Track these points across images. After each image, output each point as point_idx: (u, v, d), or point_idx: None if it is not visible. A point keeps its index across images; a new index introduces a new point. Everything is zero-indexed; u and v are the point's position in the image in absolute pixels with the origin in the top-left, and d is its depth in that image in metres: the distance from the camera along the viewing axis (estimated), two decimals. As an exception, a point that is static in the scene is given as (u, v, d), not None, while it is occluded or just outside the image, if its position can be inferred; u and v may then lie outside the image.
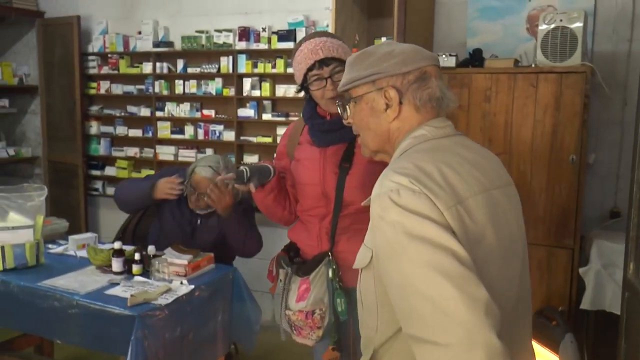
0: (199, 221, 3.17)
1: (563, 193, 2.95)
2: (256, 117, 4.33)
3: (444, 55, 3.08)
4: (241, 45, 4.31)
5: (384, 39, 3.64)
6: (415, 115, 1.42)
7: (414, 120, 1.42)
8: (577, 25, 2.92)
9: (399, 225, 1.21)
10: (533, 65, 3.06)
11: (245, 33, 4.30)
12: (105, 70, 4.84)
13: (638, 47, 3.28)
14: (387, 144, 1.47)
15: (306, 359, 3.88)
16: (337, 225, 2.18)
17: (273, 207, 2.30)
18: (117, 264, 2.76)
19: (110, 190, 4.93)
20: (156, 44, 4.60)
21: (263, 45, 4.26)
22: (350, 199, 2.14)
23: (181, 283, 2.68)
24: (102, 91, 4.88)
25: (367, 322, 1.38)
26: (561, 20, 2.95)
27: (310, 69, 2.12)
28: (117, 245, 2.80)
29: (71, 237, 3.17)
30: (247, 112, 4.34)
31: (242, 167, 2.17)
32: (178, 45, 4.57)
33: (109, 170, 4.93)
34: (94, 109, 4.98)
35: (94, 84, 4.91)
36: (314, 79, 2.13)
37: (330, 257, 2.17)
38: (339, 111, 1.54)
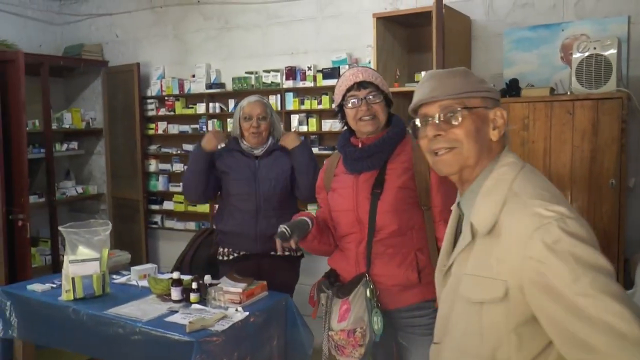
0: (257, 163, 3.19)
1: (604, 217, 2.90)
2: (304, 151, 4.39)
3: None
4: (288, 83, 4.41)
5: (423, 73, 3.68)
6: (502, 142, 1.42)
7: (500, 146, 1.43)
8: (611, 52, 2.90)
9: (570, 256, 1.18)
10: (568, 93, 3.04)
11: (291, 72, 4.40)
12: (163, 112, 5.01)
13: (673, 71, 3.23)
14: (477, 165, 1.41)
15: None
16: (372, 250, 2.23)
17: (319, 248, 2.40)
18: (176, 293, 2.83)
19: (169, 224, 5.08)
20: (209, 86, 4.74)
21: (309, 83, 4.34)
22: (382, 223, 2.21)
23: (236, 310, 2.72)
24: (160, 131, 5.05)
25: (491, 353, 1.31)
26: (595, 48, 2.94)
27: (349, 90, 2.25)
28: (175, 275, 2.87)
29: (133, 268, 3.27)
30: (295, 146, 4.41)
31: (282, 228, 2.25)
32: (229, 86, 4.71)
33: (167, 205, 5.07)
34: (153, 148, 5.15)
35: (153, 125, 5.09)
36: (351, 98, 2.24)
37: (368, 278, 2.22)
38: (429, 126, 1.42)
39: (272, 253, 3.07)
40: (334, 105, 2.40)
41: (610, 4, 3.36)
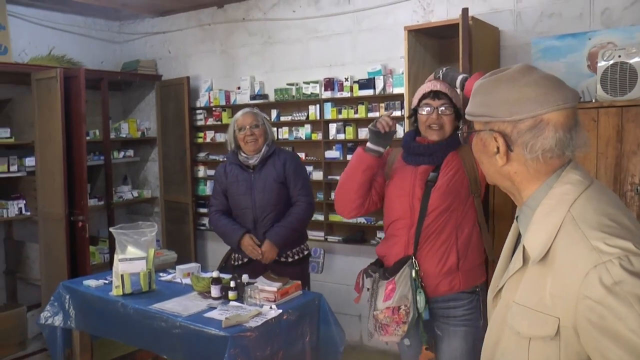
0: (252, 176, 3.29)
1: (630, 222, 2.79)
2: (341, 158, 4.39)
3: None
4: (326, 94, 4.43)
5: (453, 82, 3.64)
6: (531, 165, 1.21)
7: (539, 168, 1.21)
8: (636, 60, 2.80)
9: (635, 298, 1.00)
10: (593, 101, 2.95)
11: (330, 83, 4.42)
12: (211, 121, 5.10)
13: (703, 78, 3.08)
14: (506, 183, 1.28)
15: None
16: (421, 234, 2.33)
17: (359, 187, 2.42)
18: (215, 291, 2.88)
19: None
20: (253, 97, 4.80)
21: (346, 94, 4.34)
22: (433, 205, 2.32)
23: (270, 308, 2.75)
24: (208, 140, 5.14)
25: None
26: (620, 56, 2.84)
27: (424, 97, 2.39)
28: (215, 274, 2.92)
29: (178, 267, 3.34)
30: (333, 153, 4.42)
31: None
32: (272, 97, 4.76)
33: (215, 208, 5.15)
34: (201, 155, 5.24)
35: (201, 134, 5.19)
36: (425, 106, 2.39)
37: (414, 259, 2.31)
38: (461, 134, 1.41)
39: (276, 259, 3.24)
40: (411, 105, 2.54)
41: (637, 12, 3.25)
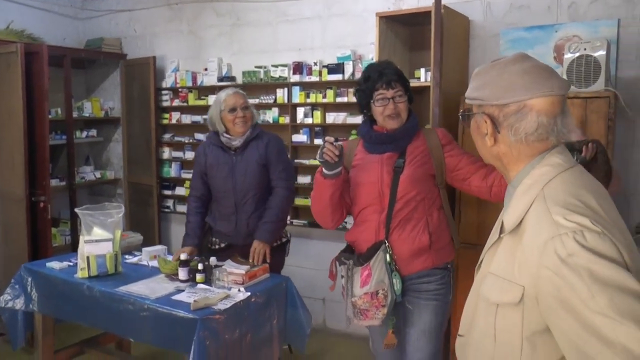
0: (234, 159, 3.19)
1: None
2: (309, 142, 4.39)
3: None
4: (295, 78, 4.40)
5: (422, 70, 3.66)
6: (516, 146, 1.28)
7: (523, 150, 1.28)
8: (600, 53, 2.88)
9: (586, 271, 1.06)
10: (559, 91, 3.01)
11: (298, 67, 4.39)
12: (177, 102, 5.01)
13: (661, 73, 3.19)
14: (497, 163, 1.36)
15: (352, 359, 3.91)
16: (392, 219, 2.36)
17: (333, 206, 2.44)
18: (183, 273, 2.85)
19: (180, 208, 5.10)
20: (220, 79, 4.74)
21: (315, 78, 4.32)
22: (403, 191, 2.37)
23: (239, 290, 2.74)
24: (174, 121, 5.05)
25: (504, 358, 1.23)
26: (585, 49, 2.91)
27: (377, 88, 2.40)
28: (183, 256, 2.89)
29: (144, 249, 3.30)
30: (300, 137, 4.41)
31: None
32: (239, 79, 4.70)
33: (179, 190, 5.07)
34: (167, 136, 5.15)
35: (167, 115, 5.10)
36: (379, 97, 2.39)
37: (387, 244, 2.35)
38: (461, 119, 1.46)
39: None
40: (356, 98, 2.54)
41: (602, 7, 3.32)
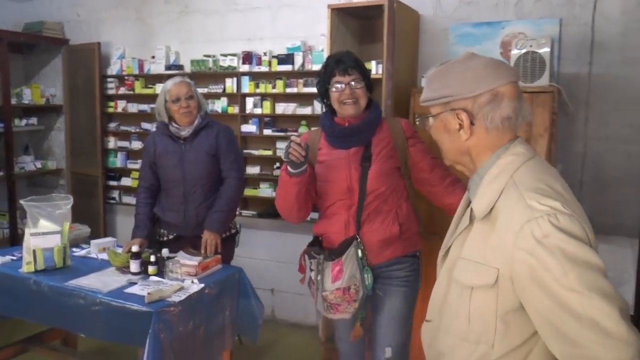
0: (183, 148, 3.13)
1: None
2: (258, 133, 4.36)
3: (424, 76, 3.13)
4: (244, 68, 4.35)
5: (373, 62, 3.69)
6: (490, 135, 1.34)
7: (494, 139, 1.35)
8: (545, 50, 2.98)
9: (559, 250, 1.14)
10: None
11: (248, 57, 4.34)
12: (122, 91, 4.86)
13: (597, 70, 3.33)
14: (464, 158, 1.40)
15: (302, 350, 3.92)
16: (362, 212, 2.36)
17: (299, 202, 2.38)
18: (134, 266, 2.78)
19: (126, 199, 4.97)
20: (168, 67, 4.63)
21: (264, 68, 4.29)
22: (372, 187, 2.36)
23: (192, 282, 2.70)
24: (119, 110, 4.90)
25: (477, 337, 1.29)
26: (531, 46, 3.01)
27: (334, 75, 2.37)
28: (134, 248, 2.82)
29: (93, 242, 3.19)
30: (249, 128, 4.37)
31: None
32: (187, 68, 4.60)
33: (125, 181, 4.94)
34: (112, 125, 4.99)
35: (112, 104, 4.93)
36: (336, 83, 2.37)
37: (359, 239, 2.34)
38: (418, 122, 1.54)
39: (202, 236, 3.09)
40: (317, 88, 2.50)
41: (545, 7, 3.44)
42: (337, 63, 2.39)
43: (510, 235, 1.20)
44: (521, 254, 1.18)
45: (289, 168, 2.28)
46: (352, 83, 2.36)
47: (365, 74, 2.45)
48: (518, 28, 3.45)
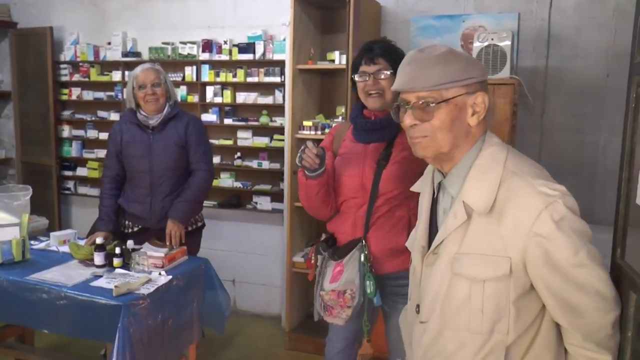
0: (151, 137, 3.04)
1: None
2: (218, 122, 4.29)
3: (391, 68, 3.14)
4: (204, 56, 4.27)
5: (336, 52, 3.68)
6: (481, 124, 1.34)
7: (482, 128, 1.35)
8: (506, 43, 3.03)
9: (571, 230, 1.20)
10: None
11: (208, 45, 4.26)
12: (77, 77, 4.68)
13: (553, 63, 3.43)
14: (455, 149, 1.34)
15: (266, 341, 3.90)
16: (372, 214, 2.17)
17: (321, 201, 2.24)
18: (99, 258, 2.68)
19: (82, 190, 4.80)
20: (125, 54, 4.48)
21: (225, 57, 4.22)
22: (385, 189, 2.15)
23: (160, 274, 2.63)
24: (74, 97, 4.72)
25: (490, 327, 1.28)
26: (492, 39, 3.05)
27: (361, 64, 2.19)
28: (99, 240, 2.72)
29: (52, 234, 3.05)
30: (210, 117, 4.29)
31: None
32: (145, 56, 4.47)
33: (81, 171, 4.77)
34: (66, 113, 4.80)
35: (66, 91, 4.74)
36: (361, 73, 2.18)
37: (364, 243, 2.16)
38: (406, 114, 1.34)
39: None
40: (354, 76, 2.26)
41: (504, 1, 3.51)
42: (366, 50, 2.20)
43: (527, 222, 1.21)
44: (537, 239, 1.21)
45: (305, 171, 2.15)
46: (377, 74, 2.16)
47: (395, 63, 2.14)
48: (478, 21, 3.50)
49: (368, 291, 2.12)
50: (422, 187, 1.53)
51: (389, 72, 2.15)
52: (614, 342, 1.28)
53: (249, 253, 4.38)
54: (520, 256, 1.24)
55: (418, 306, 1.45)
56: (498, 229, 1.25)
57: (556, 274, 1.22)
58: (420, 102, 1.30)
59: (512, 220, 1.23)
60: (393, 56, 2.18)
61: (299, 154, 2.11)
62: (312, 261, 2.34)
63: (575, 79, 3.39)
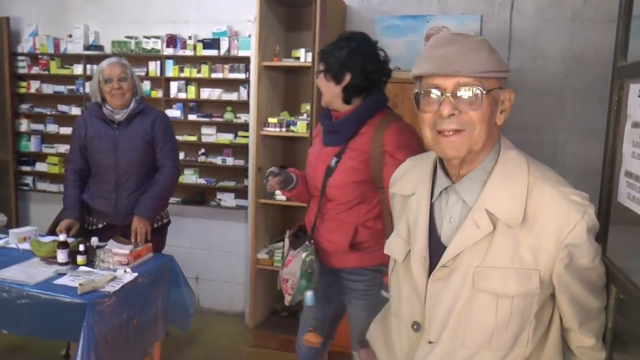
0: (117, 133, 2.97)
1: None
2: (182, 118, 4.22)
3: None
4: (169, 51, 4.19)
5: (302, 50, 3.67)
6: (499, 125, 1.23)
7: (498, 130, 1.24)
8: (469, 45, 3.09)
9: (593, 237, 1.19)
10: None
11: (172, 40, 4.19)
12: (36, 70, 4.52)
13: (515, 64, 3.51)
14: (483, 149, 1.22)
15: (230, 338, 3.88)
16: (319, 216, 2.22)
17: (301, 200, 2.39)
18: (62, 255, 2.61)
19: (41, 186, 4.66)
20: (87, 47, 4.36)
21: (189, 52, 4.16)
22: (331, 196, 2.16)
23: (125, 271, 2.58)
24: (33, 90, 4.55)
25: (512, 342, 1.20)
26: (456, 40, 3.10)
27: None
28: (62, 237, 2.64)
29: (12, 231, 2.95)
30: (174, 113, 4.22)
31: (272, 168, 2.26)
32: (108, 49, 4.36)
33: (40, 166, 4.61)
34: (24, 107, 4.64)
35: (24, 83, 4.57)
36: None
37: (308, 243, 2.21)
38: (445, 102, 1.16)
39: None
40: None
41: (467, 3, 3.56)
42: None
43: (563, 233, 1.15)
44: (569, 249, 1.16)
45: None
46: (317, 74, 2.17)
47: (328, 63, 2.13)
48: (442, 22, 3.56)
49: (299, 287, 2.20)
50: (416, 189, 1.34)
51: (323, 72, 2.13)
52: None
53: (213, 250, 4.33)
54: (549, 267, 1.17)
55: (417, 323, 1.29)
56: (529, 240, 1.16)
57: (577, 279, 1.19)
58: (466, 90, 1.14)
59: (546, 231, 1.15)
60: (328, 56, 2.14)
61: (265, 179, 2.24)
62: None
63: (535, 79, 3.48)
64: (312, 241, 2.21)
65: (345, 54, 2.09)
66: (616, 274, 1.21)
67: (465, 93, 1.14)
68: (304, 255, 2.18)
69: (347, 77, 2.10)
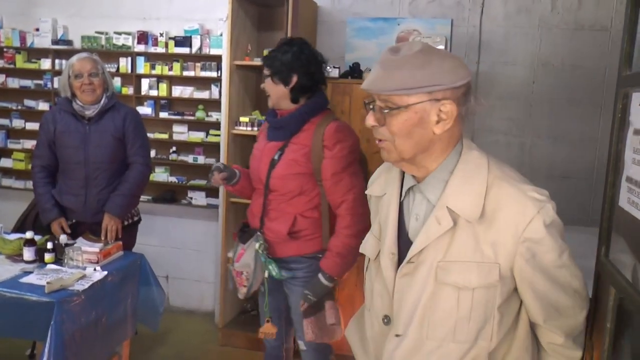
0: (87, 128, 2.92)
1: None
2: (153, 115, 4.17)
3: (329, 67, 3.16)
4: (140, 47, 4.13)
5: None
6: (458, 128, 1.26)
7: (458, 133, 1.27)
8: (440, 47, 3.12)
9: (558, 233, 1.22)
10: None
11: (144, 37, 4.13)
12: (1, 64, 4.40)
13: (483, 68, 3.57)
14: (422, 154, 1.26)
15: (199, 337, 3.85)
16: (265, 208, 2.34)
17: (243, 194, 2.54)
18: (28, 253, 2.55)
19: (6, 182, 4.53)
20: (55, 42, 4.26)
21: (161, 49, 4.10)
22: (274, 187, 2.31)
23: (94, 269, 2.54)
24: (-3, 84, 4.44)
25: (475, 335, 1.25)
26: (427, 43, 3.14)
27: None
28: (29, 234, 2.59)
29: (-25, 229, 2.89)
30: (145, 110, 4.16)
31: (218, 163, 2.46)
32: (78, 44, 4.26)
33: (5, 162, 4.48)
34: (-11, 102, 4.51)
35: (-12, 77, 4.45)
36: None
37: (259, 233, 2.34)
38: (369, 114, 1.27)
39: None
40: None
41: (438, 7, 3.61)
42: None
43: (519, 228, 1.19)
44: (527, 244, 1.20)
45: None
46: (265, 74, 2.34)
47: (274, 67, 2.29)
48: (412, 25, 3.59)
49: (273, 273, 2.31)
50: (386, 190, 1.40)
51: (270, 75, 2.31)
52: (583, 338, 1.35)
53: (184, 249, 4.29)
54: (509, 261, 1.22)
55: (387, 317, 1.36)
56: (488, 235, 1.21)
57: (542, 276, 1.23)
58: (382, 105, 1.23)
59: (503, 226, 1.20)
60: (270, 60, 2.33)
61: (210, 173, 2.39)
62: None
63: (504, 84, 3.55)
64: (262, 231, 2.34)
65: (290, 57, 2.27)
66: (617, 275, 1.22)
67: (382, 108, 1.23)
68: (257, 245, 2.31)
69: (294, 78, 2.28)
